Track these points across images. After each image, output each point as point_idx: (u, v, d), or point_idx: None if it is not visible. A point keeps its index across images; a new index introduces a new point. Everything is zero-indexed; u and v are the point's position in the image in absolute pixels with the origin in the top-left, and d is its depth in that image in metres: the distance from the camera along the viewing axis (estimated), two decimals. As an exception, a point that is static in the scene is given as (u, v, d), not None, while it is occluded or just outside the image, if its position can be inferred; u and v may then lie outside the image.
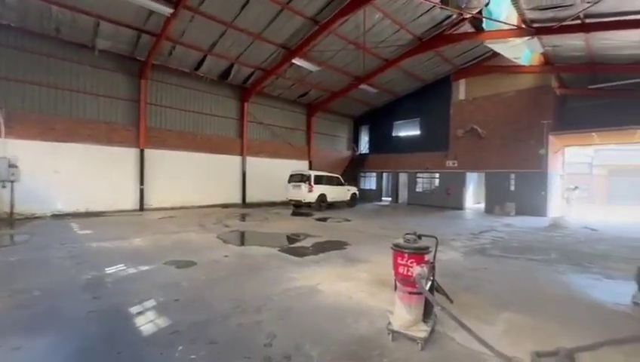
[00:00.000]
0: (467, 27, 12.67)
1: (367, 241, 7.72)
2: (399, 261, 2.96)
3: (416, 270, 2.82)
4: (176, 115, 13.77)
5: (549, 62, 13.92)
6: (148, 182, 12.67)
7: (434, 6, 11.06)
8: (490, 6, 10.84)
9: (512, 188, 15.03)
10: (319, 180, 14.41)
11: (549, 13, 9.90)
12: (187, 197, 13.95)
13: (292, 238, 8.00)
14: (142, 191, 12.50)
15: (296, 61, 13.16)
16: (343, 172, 20.47)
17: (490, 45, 12.92)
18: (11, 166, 9.80)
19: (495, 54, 14.76)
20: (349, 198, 16.25)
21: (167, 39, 11.20)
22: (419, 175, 19.04)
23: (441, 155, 17.57)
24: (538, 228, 10.57)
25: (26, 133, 10.19)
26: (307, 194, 13.88)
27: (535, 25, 10.67)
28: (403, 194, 19.84)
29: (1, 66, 9.76)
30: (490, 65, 15.53)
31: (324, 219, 11.67)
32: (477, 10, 10.95)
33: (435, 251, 3.39)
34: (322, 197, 14.33)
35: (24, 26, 9.90)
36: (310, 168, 18.50)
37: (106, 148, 11.75)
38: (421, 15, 11.99)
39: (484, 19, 11.23)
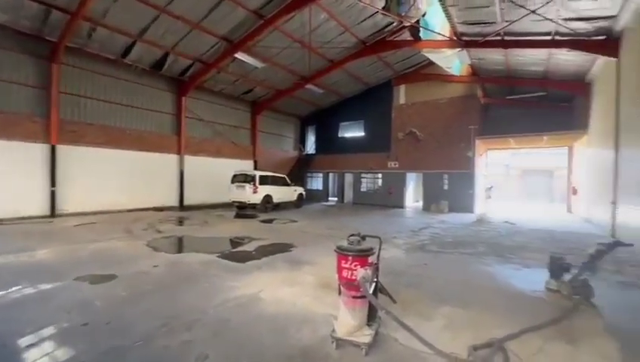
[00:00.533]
0: (407, 35, 13.39)
1: (313, 242, 7.58)
2: (343, 264, 2.82)
3: (360, 273, 2.71)
4: (100, 107, 12.10)
5: (475, 73, 15.42)
6: (62, 184, 10.90)
7: (377, 11, 11.43)
8: (427, 17, 11.59)
9: (446, 187, 16.32)
10: (264, 180, 13.94)
11: (476, 28, 10.89)
12: (113, 201, 12.35)
13: (234, 242, 7.50)
14: (53, 194, 10.70)
15: (240, 56, 12.53)
16: (289, 172, 20.19)
17: (426, 54, 13.83)
18: None
19: (431, 63, 15.86)
20: (295, 199, 16.05)
21: (86, 19, 9.74)
22: (363, 175, 19.66)
23: (383, 156, 18.36)
24: (467, 224, 11.57)
25: None
26: (252, 195, 13.31)
27: (464, 38, 11.66)
28: (349, 194, 20.30)
29: None
30: (427, 73, 16.66)
31: (269, 221, 11.28)
32: (415, 20, 11.62)
33: (379, 251, 3.34)
34: (268, 198, 13.88)
35: None
36: (255, 168, 17.88)
37: (4, 143, 9.79)
38: (365, 19, 12.31)
39: (421, 29, 11.96)
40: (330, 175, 21.77)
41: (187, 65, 13.56)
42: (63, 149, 10.95)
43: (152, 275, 4.86)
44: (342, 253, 2.85)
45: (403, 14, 11.31)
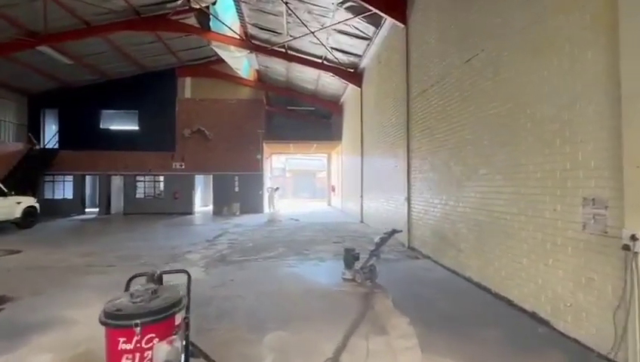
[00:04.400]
0: (193, 21, 11.94)
1: (55, 283, 4.82)
2: (123, 347, 1.46)
3: (162, 353, 1.48)
4: None
5: (261, 79, 16.28)
6: None
7: (157, -24, 9.33)
8: (217, 7, 10.74)
9: (237, 189, 16.16)
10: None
11: (266, 35, 11.28)
12: None
13: None
14: None
15: None
16: (8, 175, 13.15)
17: (216, 49, 12.94)
18: None
19: (220, 60, 15.16)
20: (19, 216, 10.41)
21: None
22: (139, 178, 16.02)
23: (167, 155, 15.73)
24: (261, 225, 11.78)
25: None
26: None
27: (254, 41, 11.81)
28: (118, 203, 15.89)
29: None
30: (216, 69, 15.77)
31: (-47, 259, 6.48)
32: (205, 5, 10.48)
33: (189, 293, 2.15)
34: (-47, 219, 8.09)
35: None
36: None
37: None
38: (139, -19, 9.78)
39: (211, 18, 10.97)
40: (88, 178, 16.28)
41: None
42: None
43: None
44: (119, 325, 1.48)
45: (191, -8, 9.88)
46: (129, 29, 11.44)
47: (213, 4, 10.62)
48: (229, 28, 10.82)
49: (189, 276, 2.18)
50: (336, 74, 12.34)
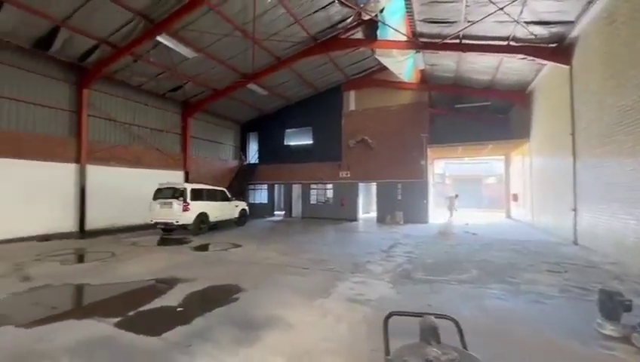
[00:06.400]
0: (360, 35, 12.39)
1: (267, 280, 5.54)
2: None
3: None
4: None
5: (424, 80, 15.19)
6: None
7: (333, 1, 10.12)
8: (385, 14, 10.65)
9: (400, 197, 15.61)
10: (198, 195, 11.28)
11: (436, 29, 10.27)
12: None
13: (148, 292, 5.05)
14: None
15: (164, 39, 9.97)
16: (229, 185, 17.57)
17: (379, 58, 12.99)
18: None
19: (381, 69, 15.26)
20: (237, 216, 13.58)
21: None
22: (313, 186, 18.07)
23: (334, 165, 17.05)
24: (432, 237, 10.68)
25: None
26: (182, 214, 10.57)
27: (422, 39, 11.00)
28: (297, 208, 18.45)
29: None
30: (377, 78, 15.99)
31: (204, 248, 8.81)
32: (373, 14, 10.57)
33: (463, 341, 1.59)
34: (202, 217, 11.24)
35: None
36: (187, 180, 14.97)
37: None
38: (317, 11, 10.90)
39: (379, 25, 11.00)
40: (276, 187, 19.71)
41: (89, 47, 10.38)
42: None
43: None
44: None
45: (362, 6, 10.18)
46: (308, 55, 13.03)
47: (381, 11, 10.60)
48: (396, 30, 10.49)
49: (460, 327, 1.62)
50: (528, 54, 9.84)
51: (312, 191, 18.07)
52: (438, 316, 1.59)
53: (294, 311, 4.05)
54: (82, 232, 11.10)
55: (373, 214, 18.50)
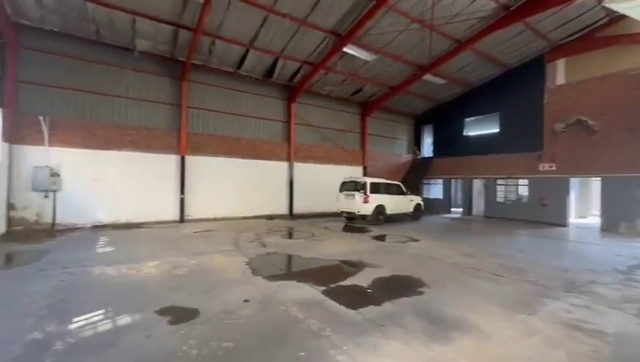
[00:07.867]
0: (576, -16, 9.44)
1: (451, 279, 5.28)
2: None
3: None
4: (218, 119, 12.72)
5: None
6: (188, 191, 11.74)
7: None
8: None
9: (644, 198, 10.93)
10: (376, 189, 12.10)
11: None
12: (229, 208, 12.77)
13: (344, 269, 5.91)
14: (182, 201, 11.59)
15: (349, 49, 11.23)
16: (402, 179, 17.79)
17: (610, 5, 9.41)
18: (53, 175, 9.50)
19: (610, 22, 11.16)
20: (412, 210, 13.59)
21: (205, 33, 10.12)
22: (499, 182, 15.52)
23: (530, 157, 13.94)
24: None
25: (68, 141, 9.84)
26: (362, 205, 11.67)
27: None
28: (478, 205, 16.40)
29: (45, 73, 9.54)
30: (604, 36, 11.74)
31: (382, 238, 9.37)
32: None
33: None
34: (380, 209, 11.97)
35: (66, 31, 9.60)
36: (365, 174, 16.30)
37: (146, 155, 11.08)
38: (511, -28, 9.16)
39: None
40: (453, 182, 18.23)
41: (295, 69, 13.10)
42: (189, 160, 11.82)
43: (236, 319, 3.63)
44: None
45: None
46: (497, 28, 11.22)
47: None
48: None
49: None
50: None
51: (498, 186, 15.56)
52: None
53: (489, 321, 3.68)
54: (291, 215, 14.30)
55: (594, 219, 13.97)
